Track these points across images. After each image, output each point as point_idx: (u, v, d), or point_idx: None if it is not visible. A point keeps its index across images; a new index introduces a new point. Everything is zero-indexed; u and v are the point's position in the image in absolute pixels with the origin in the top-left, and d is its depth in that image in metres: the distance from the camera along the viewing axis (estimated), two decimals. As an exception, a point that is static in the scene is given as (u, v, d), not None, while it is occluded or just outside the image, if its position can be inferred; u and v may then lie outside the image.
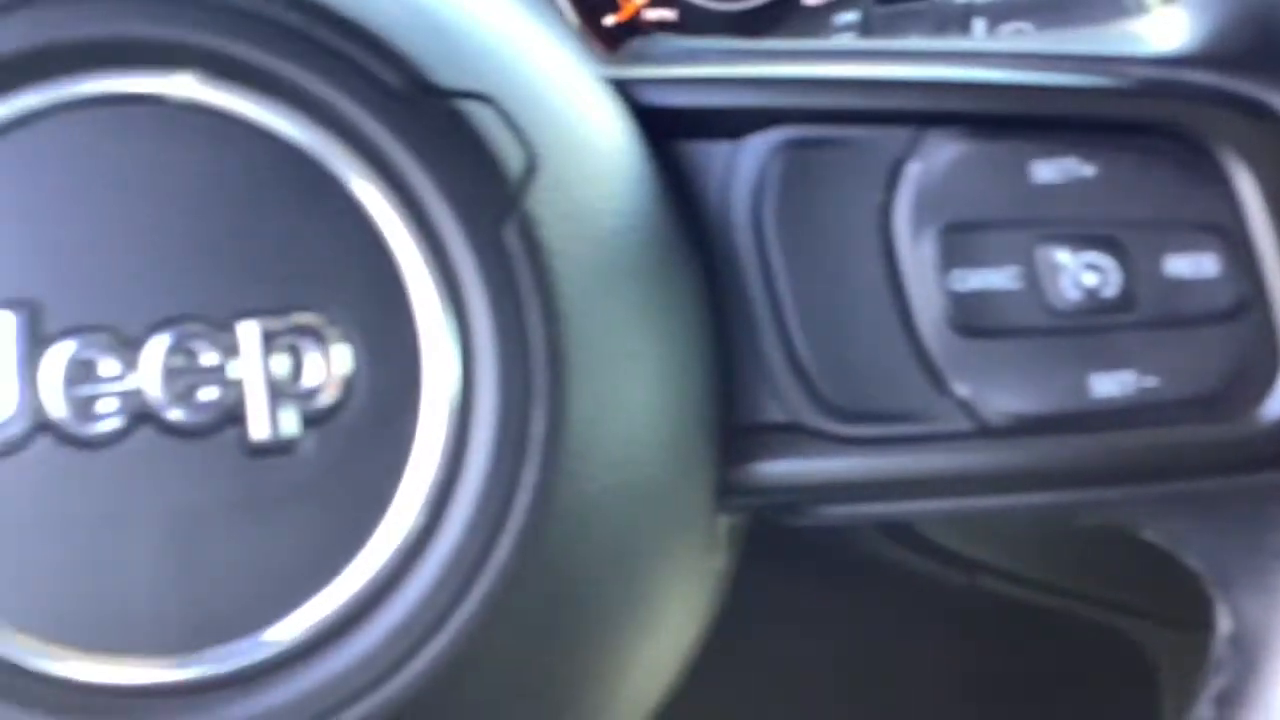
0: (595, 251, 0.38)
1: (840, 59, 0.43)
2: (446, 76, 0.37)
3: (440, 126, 0.37)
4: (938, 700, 0.64)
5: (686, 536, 0.41)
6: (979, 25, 0.52)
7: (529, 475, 0.37)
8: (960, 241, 0.41)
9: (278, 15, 0.37)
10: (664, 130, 0.42)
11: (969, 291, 0.41)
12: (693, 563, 0.42)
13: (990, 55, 0.42)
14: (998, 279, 0.41)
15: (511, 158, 0.37)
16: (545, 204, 0.38)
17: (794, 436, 0.42)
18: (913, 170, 0.41)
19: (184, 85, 0.37)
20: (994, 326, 0.41)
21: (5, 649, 0.36)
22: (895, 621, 0.62)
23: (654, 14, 0.75)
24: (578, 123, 0.40)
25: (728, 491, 0.42)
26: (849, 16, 0.58)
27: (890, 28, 0.55)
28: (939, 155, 0.41)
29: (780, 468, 0.42)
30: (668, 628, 0.42)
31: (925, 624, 0.62)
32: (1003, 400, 0.41)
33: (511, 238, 0.37)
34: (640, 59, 0.46)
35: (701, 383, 0.41)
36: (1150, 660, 0.61)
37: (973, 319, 0.41)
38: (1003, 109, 0.41)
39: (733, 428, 0.42)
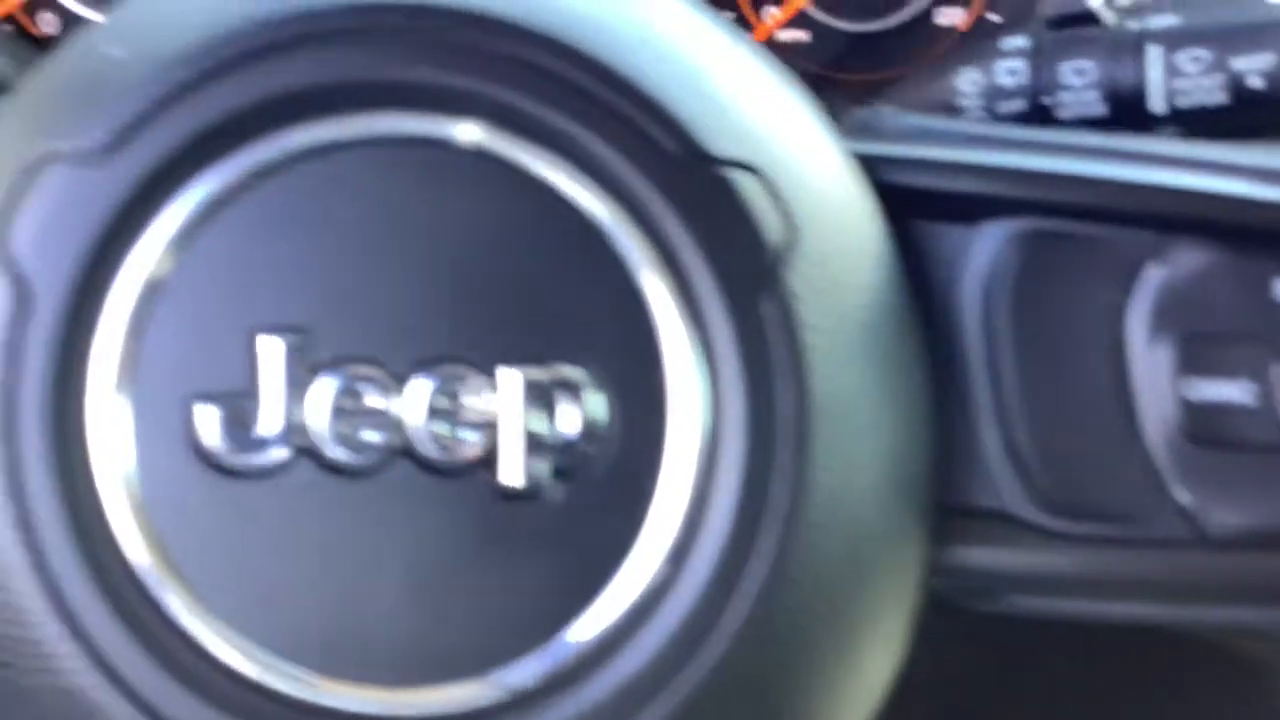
0: (844, 327, 0.39)
1: (1082, 154, 0.43)
2: (717, 144, 0.38)
3: (709, 194, 0.38)
4: (1049, 715, 0.64)
5: (895, 612, 0.42)
6: (1154, 52, 0.52)
7: (766, 543, 0.38)
8: (1196, 350, 0.41)
9: (565, 73, 0.38)
10: (898, 208, 0.43)
11: (1200, 401, 0.41)
12: (894, 637, 0.42)
13: (1238, 168, 0.43)
14: (1231, 392, 0.41)
15: (773, 229, 0.38)
16: (802, 277, 0.38)
17: (1001, 525, 0.42)
18: (1152, 274, 0.42)
19: (470, 132, 0.38)
20: (1223, 438, 0.41)
21: (241, 664, 0.37)
22: (1008, 634, 0.62)
23: (787, 35, 0.76)
24: (834, 197, 0.40)
25: (930, 571, 0.43)
26: (1018, 42, 0.58)
27: (1061, 53, 0.55)
28: (1180, 262, 0.42)
29: (984, 554, 0.42)
30: (862, 698, 0.43)
31: (1038, 638, 0.63)
32: (1225, 512, 0.41)
33: (768, 309, 0.38)
34: (869, 132, 0.46)
35: (924, 463, 0.41)
36: (1273, 680, 0.61)
37: (1202, 428, 0.41)
38: (1250, 223, 0.42)
39: (939, 509, 0.43)
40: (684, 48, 0.40)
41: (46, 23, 0.78)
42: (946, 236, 0.43)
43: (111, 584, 0.37)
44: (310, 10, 0.37)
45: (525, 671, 0.37)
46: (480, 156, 0.38)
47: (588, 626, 0.38)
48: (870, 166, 0.43)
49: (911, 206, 0.43)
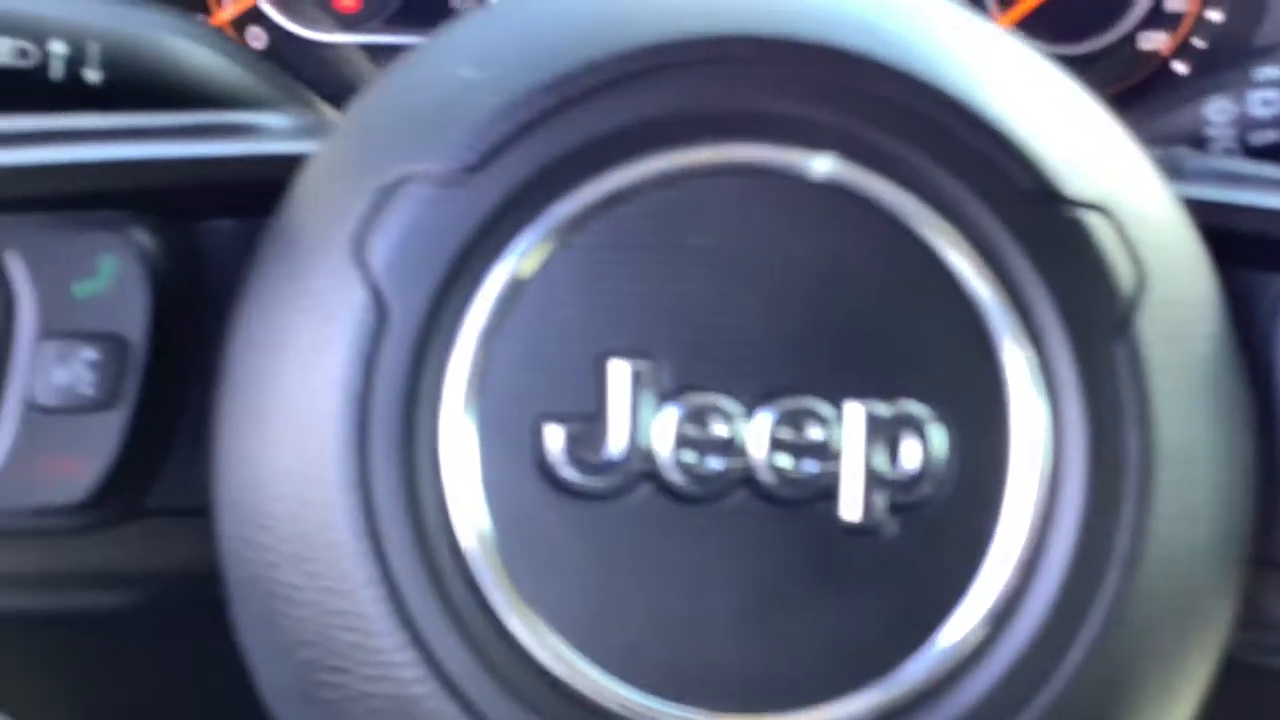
0: (1187, 374, 0.39)
1: None
2: (1070, 185, 0.38)
3: (1061, 235, 0.38)
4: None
5: (1205, 664, 0.41)
6: None
7: (1105, 588, 0.37)
8: None
9: (920, 108, 0.38)
10: (1217, 254, 0.42)
11: None
12: (1200, 690, 0.42)
13: None
14: None
15: (1124, 273, 0.38)
16: (1150, 322, 0.38)
17: None
18: None
19: (823, 164, 0.38)
20: None
21: (574, 680, 0.38)
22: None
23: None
24: (1174, 241, 0.40)
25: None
26: (1273, 72, 0.58)
27: None
28: None
29: None
30: None
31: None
32: None
33: (1118, 354, 0.38)
34: (1173, 174, 0.45)
35: (1247, 515, 0.41)
36: None
37: None
38: None
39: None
40: (1033, 85, 0.40)
41: (255, 38, 0.79)
42: (1262, 284, 0.42)
43: (452, 597, 0.37)
44: (669, 41, 0.38)
45: (856, 706, 0.37)
46: (832, 189, 0.38)
47: (921, 665, 0.38)
48: (1194, 210, 0.42)
49: (1230, 253, 0.43)
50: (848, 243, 0.38)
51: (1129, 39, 0.77)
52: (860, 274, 0.38)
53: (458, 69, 0.39)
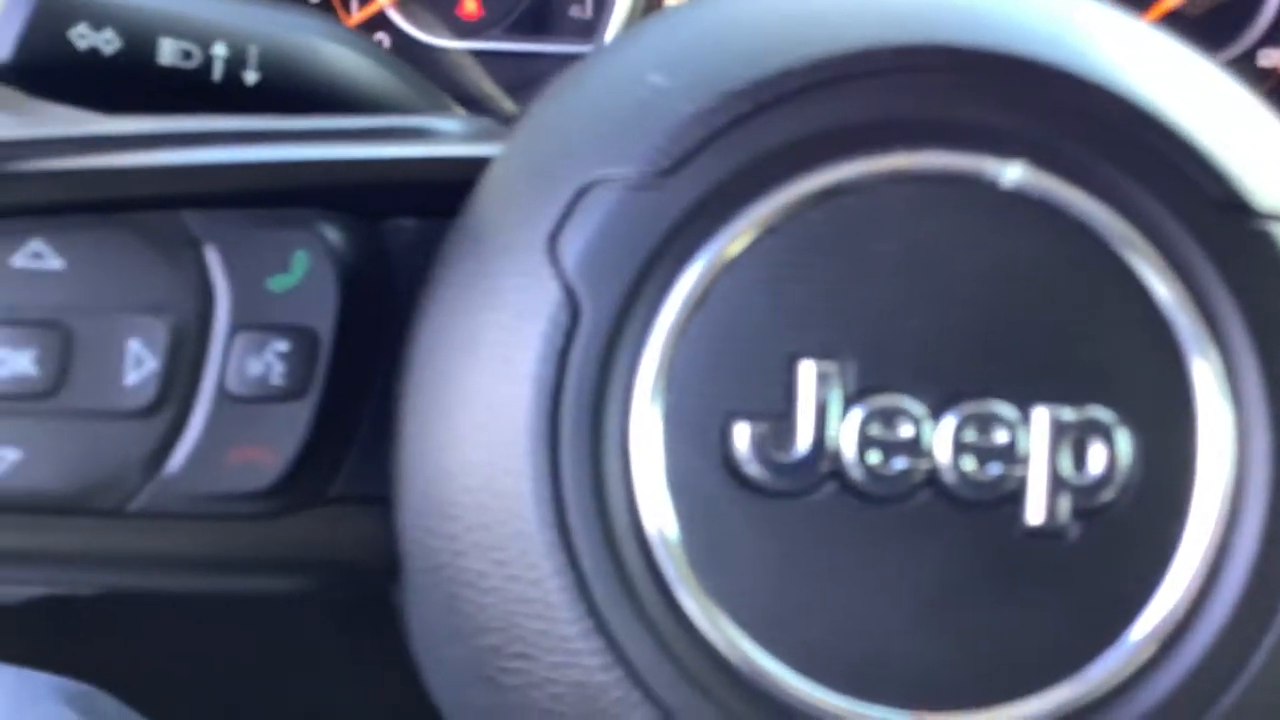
0: None
1: None
2: (1258, 197, 0.39)
3: (1248, 245, 0.38)
4: None
5: None
6: None
7: None
8: None
9: (1111, 118, 0.38)
10: None
11: None
12: None
13: None
14: None
15: None
16: None
17: None
18: None
19: (1012, 172, 0.38)
20: None
21: (755, 673, 0.38)
22: None
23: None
24: None
25: None
26: None
27: None
28: None
29: None
30: None
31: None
32: None
33: None
34: None
35: None
36: None
37: None
38: None
39: None
40: (1216, 96, 0.40)
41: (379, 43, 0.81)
42: None
43: (637, 588, 0.38)
44: (861, 49, 0.38)
45: (1038, 706, 0.38)
46: (1021, 197, 0.38)
47: (1102, 669, 0.38)
48: None
49: None
50: (1036, 250, 0.38)
51: (1248, 55, 0.77)
52: (1047, 281, 0.38)
53: (647, 74, 0.40)
